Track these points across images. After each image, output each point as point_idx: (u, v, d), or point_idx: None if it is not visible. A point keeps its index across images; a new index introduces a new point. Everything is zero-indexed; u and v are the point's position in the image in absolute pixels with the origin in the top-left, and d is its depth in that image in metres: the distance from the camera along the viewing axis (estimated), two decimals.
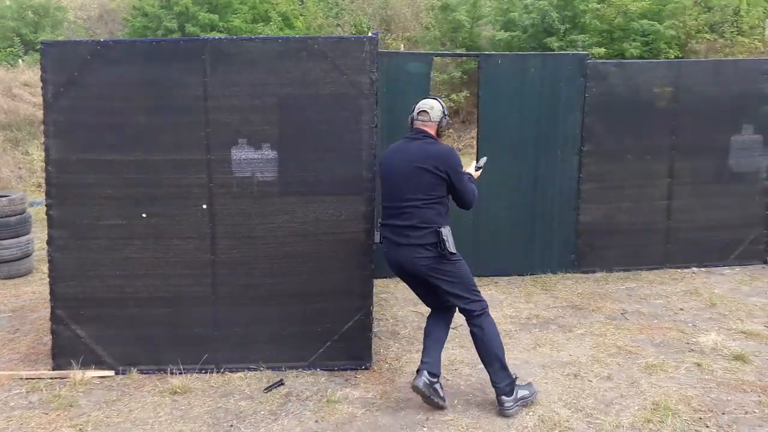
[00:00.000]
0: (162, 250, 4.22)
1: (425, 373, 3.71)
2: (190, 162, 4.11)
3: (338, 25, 22.27)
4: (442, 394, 3.79)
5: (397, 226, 3.69)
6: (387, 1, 22.42)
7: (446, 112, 3.83)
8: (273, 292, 4.29)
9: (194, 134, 4.09)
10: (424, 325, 4.06)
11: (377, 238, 3.94)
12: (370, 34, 4.09)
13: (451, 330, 4.97)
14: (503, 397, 3.73)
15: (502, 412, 3.73)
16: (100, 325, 4.27)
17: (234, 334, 4.33)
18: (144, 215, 4.18)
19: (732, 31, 16.77)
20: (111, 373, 4.28)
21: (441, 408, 3.79)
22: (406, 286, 4.09)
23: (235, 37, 4.50)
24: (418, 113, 3.79)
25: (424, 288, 3.91)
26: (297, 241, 4.22)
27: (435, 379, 3.75)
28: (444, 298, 3.79)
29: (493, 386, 3.77)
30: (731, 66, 6.74)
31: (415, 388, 3.70)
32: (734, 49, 16.43)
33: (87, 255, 4.20)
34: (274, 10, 21.26)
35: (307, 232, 4.22)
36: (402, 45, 20.40)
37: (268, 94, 4.06)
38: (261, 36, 4.57)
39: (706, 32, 16.95)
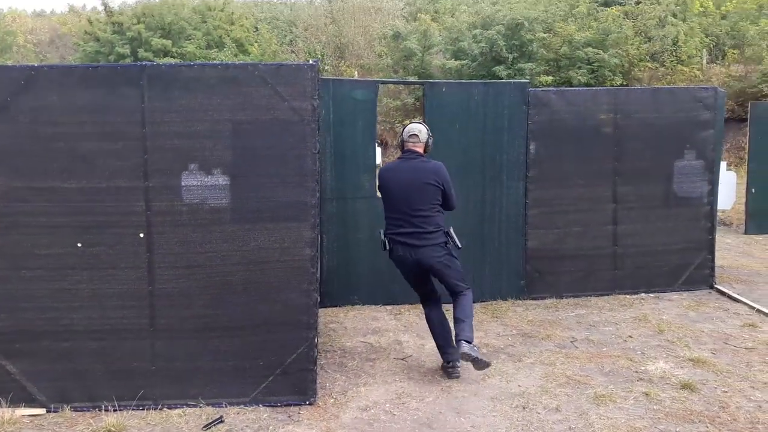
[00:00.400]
0: (98, 281, 4.03)
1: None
2: (126, 189, 3.95)
3: (292, 51, 22.31)
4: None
5: (414, 233, 4.58)
6: (340, 30, 22.58)
7: (431, 133, 4.78)
8: (213, 324, 4.12)
9: (131, 161, 3.94)
10: (372, 356, 4.78)
11: (384, 246, 4.70)
12: (310, 62, 4.03)
13: (399, 361, 4.96)
14: (464, 343, 4.42)
15: (460, 349, 4.41)
16: (32, 359, 4.05)
17: (173, 369, 4.13)
18: (79, 245, 3.99)
19: (672, 60, 17.38)
20: (42, 411, 4.05)
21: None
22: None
23: (173, 63, 4.39)
24: (408, 136, 4.71)
25: (422, 279, 4.76)
26: (238, 270, 4.08)
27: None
28: (446, 282, 4.66)
29: (458, 337, 4.49)
30: (668, 94, 6.90)
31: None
32: (675, 77, 17.04)
33: (20, 285, 3.99)
34: (228, 36, 21.18)
35: (248, 260, 4.08)
36: (356, 72, 20.53)
37: (208, 120, 3.94)
38: (200, 62, 4.45)
39: (648, 61, 17.53)
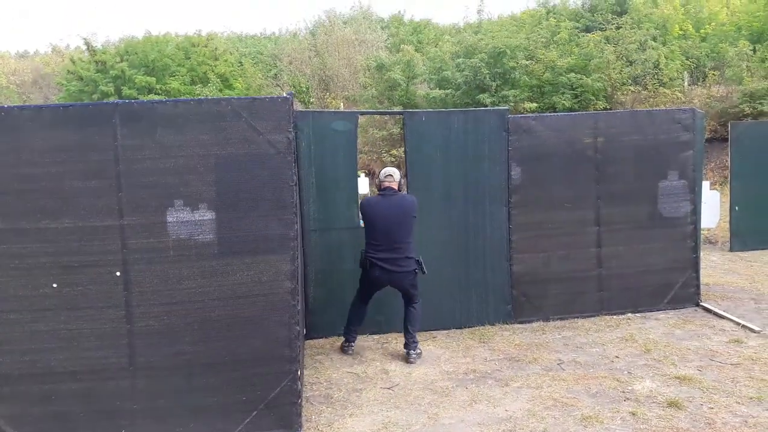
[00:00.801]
0: (75, 322, 4.00)
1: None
2: (101, 228, 3.95)
3: (277, 85, 22.48)
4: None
5: (393, 259, 5.49)
6: (325, 62, 22.80)
7: (402, 174, 5.89)
8: (195, 360, 4.10)
9: (106, 199, 3.94)
10: (359, 386, 5.10)
11: (363, 264, 5.64)
12: (284, 95, 4.07)
13: (385, 390, 4.94)
14: (412, 352, 5.60)
15: (409, 359, 5.58)
16: (10, 403, 4.00)
17: (155, 407, 4.09)
18: (54, 285, 3.97)
19: (654, 83, 17.61)
20: None
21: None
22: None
23: (145, 100, 4.41)
24: (385, 176, 5.69)
25: (377, 291, 5.76)
26: (218, 305, 4.07)
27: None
28: (409, 296, 5.68)
29: (408, 344, 5.63)
30: (647, 116, 6.98)
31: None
32: (657, 100, 17.23)
33: None
34: (213, 71, 21.32)
35: (227, 295, 4.07)
36: (341, 104, 20.69)
37: (183, 156, 3.96)
38: (173, 99, 4.47)
39: (630, 84, 17.76)
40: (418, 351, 5.70)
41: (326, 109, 17.61)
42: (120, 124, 3.91)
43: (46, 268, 3.97)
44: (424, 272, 5.61)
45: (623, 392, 4.75)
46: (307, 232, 6.21)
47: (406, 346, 5.67)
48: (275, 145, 4.00)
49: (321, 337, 6.33)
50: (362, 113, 8.20)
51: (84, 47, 23.07)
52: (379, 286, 5.71)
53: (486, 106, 16.48)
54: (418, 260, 5.58)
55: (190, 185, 4.01)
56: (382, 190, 5.68)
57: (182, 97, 19.02)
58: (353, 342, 5.93)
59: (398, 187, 5.72)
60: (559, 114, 7.39)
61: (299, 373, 4.21)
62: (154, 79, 20.55)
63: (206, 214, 4.04)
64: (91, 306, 3.99)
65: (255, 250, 4.07)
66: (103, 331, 4.02)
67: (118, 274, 3.97)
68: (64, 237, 3.95)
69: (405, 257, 5.50)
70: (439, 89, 18.59)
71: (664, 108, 12.29)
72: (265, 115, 3.97)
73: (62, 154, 3.92)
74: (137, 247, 3.98)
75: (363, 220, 5.70)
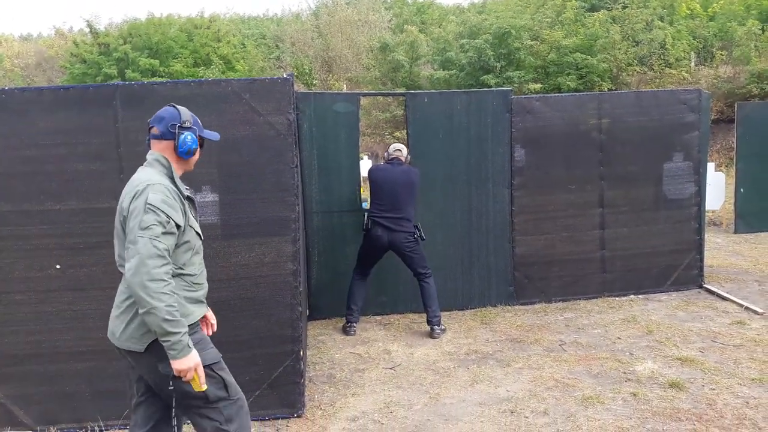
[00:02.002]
0: (80, 302, 4.03)
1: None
2: (104, 210, 3.95)
3: (280, 67, 22.39)
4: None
5: (394, 218, 5.74)
6: (328, 43, 22.67)
7: (409, 152, 6.17)
8: None
9: (108, 182, 3.94)
10: (361, 366, 5.13)
11: (365, 227, 5.87)
12: (285, 75, 4.05)
13: (387, 370, 4.97)
14: (435, 327, 5.78)
15: (433, 334, 5.77)
16: (17, 383, 4.04)
17: None
18: (58, 266, 3.99)
19: (660, 64, 17.46)
20: None
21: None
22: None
23: (146, 82, 4.38)
24: (394, 150, 6.04)
25: (379, 257, 5.96)
26: (221, 286, 4.07)
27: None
28: (411, 265, 5.85)
29: (431, 320, 5.81)
30: (651, 97, 6.92)
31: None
32: (663, 80, 17.10)
33: (2, 310, 3.98)
34: (216, 53, 21.23)
35: (230, 276, 4.08)
36: (344, 85, 20.61)
37: None
38: (173, 80, 4.45)
39: (636, 65, 17.61)
40: (442, 327, 5.84)
41: (328, 91, 17.55)
42: (121, 106, 3.90)
43: (50, 250, 3.98)
44: (423, 238, 5.87)
45: (624, 373, 4.77)
46: (310, 214, 6.22)
47: (428, 322, 5.85)
48: (276, 127, 3.99)
49: (324, 318, 6.37)
50: (364, 95, 8.16)
51: (87, 29, 23.01)
52: (380, 249, 5.87)
53: (490, 87, 16.40)
54: (416, 225, 5.85)
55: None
56: (391, 160, 6.00)
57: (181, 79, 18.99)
58: (355, 322, 5.98)
59: (405, 161, 6.01)
60: (563, 95, 7.33)
61: (302, 353, 4.23)
62: (157, 61, 20.51)
63: (208, 196, 4.04)
64: (96, 287, 4.01)
65: (257, 231, 4.07)
66: (108, 312, 4.02)
67: None
68: (68, 219, 3.96)
69: (405, 219, 5.77)
70: (443, 70, 18.51)
71: (669, 89, 12.19)
72: (265, 96, 3.95)
73: (64, 136, 3.92)
74: None
75: (370, 184, 5.94)
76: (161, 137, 2.81)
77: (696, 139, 6.88)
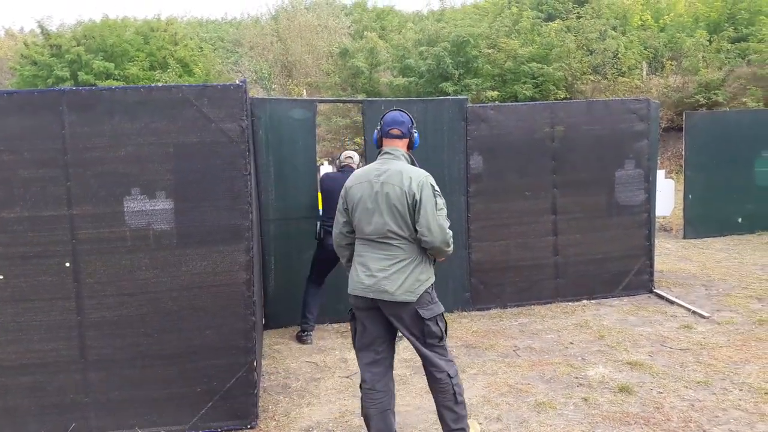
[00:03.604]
0: (24, 314, 3.90)
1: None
2: (50, 218, 3.85)
3: (238, 71, 22.18)
4: None
5: None
6: (287, 48, 22.57)
7: (361, 161, 6.19)
8: (148, 352, 4.03)
9: (54, 189, 3.84)
10: (317, 375, 5.10)
11: (317, 235, 5.88)
12: (237, 82, 4.01)
13: (344, 379, 4.97)
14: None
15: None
16: None
17: (107, 399, 4.02)
18: (1, 276, 3.86)
19: (613, 72, 17.86)
20: None
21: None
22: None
23: (93, 88, 4.30)
24: (345, 157, 6.12)
25: (332, 267, 5.86)
26: (172, 296, 4.01)
27: None
28: None
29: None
30: (603, 106, 7.09)
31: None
32: (616, 89, 17.49)
33: None
34: (173, 57, 20.93)
35: (181, 286, 4.01)
36: (304, 91, 20.54)
37: (134, 144, 3.87)
38: (122, 86, 4.36)
39: (590, 74, 17.98)
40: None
41: (285, 97, 17.47)
42: (68, 111, 3.80)
43: None
44: None
45: (576, 378, 4.85)
46: (266, 222, 6.16)
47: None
48: (228, 134, 3.94)
49: (280, 327, 6.31)
50: (321, 101, 8.15)
51: (38, 30, 22.42)
52: (333, 258, 5.73)
53: (449, 94, 16.54)
54: None
55: (143, 174, 3.91)
56: (342, 167, 6.09)
57: (140, 84, 18.67)
58: (311, 331, 5.98)
59: (356, 168, 5.98)
60: (517, 104, 7.46)
61: (255, 363, 4.18)
62: (112, 64, 20.09)
63: (157, 204, 3.96)
64: (40, 297, 3.89)
65: (209, 240, 4.01)
66: (53, 324, 3.93)
67: (67, 264, 3.88)
68: (11, 227, 3.84)
69: None
70: (403, 77, 18.59)
71: (620, 98, 12.47)
72: (217, 102, 3.90)
73: (9, 141, 3.79)
74: (87, 237, 3.89)
75: (321, 192, 6.04)
76: (402, 137, 3.65)
77: (646, 147, 7.06)
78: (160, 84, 11.41)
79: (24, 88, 19.11)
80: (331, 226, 5.61)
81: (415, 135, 3.73)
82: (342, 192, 3.63)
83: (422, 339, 3.53)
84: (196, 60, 21.78)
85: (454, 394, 3.55)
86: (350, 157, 6.16)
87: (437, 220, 3.42)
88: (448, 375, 3.57)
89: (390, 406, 3.62)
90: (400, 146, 3.63)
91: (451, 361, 3.66)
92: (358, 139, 17.16)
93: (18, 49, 22.55)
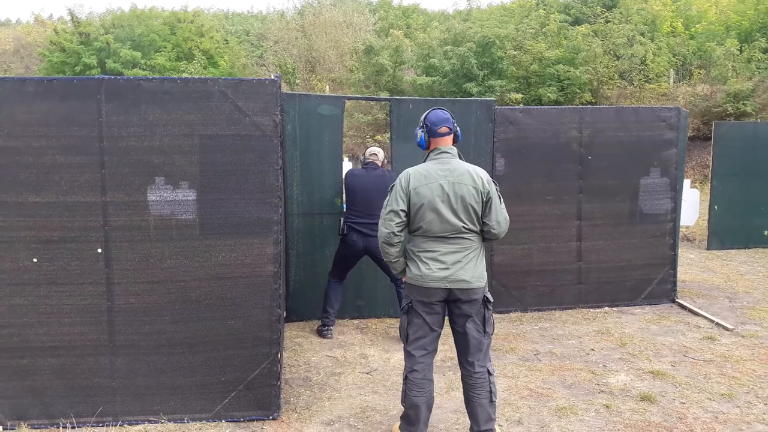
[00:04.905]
0: (55, 297, 3.96)
1: None
2: (83, 204, 3.90)
3: (263, 65, 22.28)
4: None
5: (369, 224, 5.70)
6: (312, 44, 22.62)
7: (386, 157, 6.37)
8: (175, 340, 4.08)
9: (89, 175, 3.89)
10: (338, 370, 5.13)
11: (341, 231, 5.91)
12: (272, 77, 4.04)
13: (364, 375, 4.98)
14: None
15: None
16: None
17: (133, 385, 4.08)
18: (35, 260, 3.93)
19: (640, 79, 17.71)
20: None
21: None
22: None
23: (131, 77, 4.32)
24: (370, 154, 6.13)
25: (355, 263, 6.00)
26: (200, 286, 4.05)
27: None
28: (387, 270, 5.84)
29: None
30: (632, 113, 7.03)
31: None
32: (643, 95, 17.34)
33: None
34: (198, 48, 21.07)
35: (210, 276, 4.05)
36: (327, 86, 20.57)
37: (169, 135, 3.91)
38: (158, 76, 4.39)
39: (617, 79, 17.85)
40: None
41: (312, 92, 17.51)
42: (105, 99, 3.85)
43: (26, 242, 3.91)
44: None
45: (598, 385, 4.82)
46: (290, 216, 6.20)
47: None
48: (261, 128, 3.97)
49: (301, 320, 6.35)
50: (349, 98, 8.15)
51: (68, 18, 22.68)
52: (355, 254, 5.91)
53: (472, 95, 16.50)
54: None
55: (174, 164, 3.95)
56: (366, 164, 6.08)
57: (167, 74, 18.81)
58: (331, 326, 6.00)
59: (381, 165, 6.07)
60: (545, 107, 7.42)
61: (279, 355, 4.22)
62: (139, 53, 20.28)
63: (189, 194, 4.00)
64: (71, 282, 3.95)
65: (238, 232, 4.04)
66: (83, 307, 3.99)
67: (99, 251, 3.93)
68: (45, 211, 3.90)
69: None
70: (426, 76, 18.56)
71: (649, 105, 12.37)
72: (251, 96, 3.93)
73: (46, 128, 3.84)
74: (119, 224, 3.94)
75: (345, 189, 6.03)
76: (449, 133, 3.74)
77: (674, 156, 6.99)
78: (189, 76, 11.51)
79: (52, 74, 19.34)
80: (355, 223, 5.80)
81: (459, 130, 3.82)
82: (400, 194, 3.63)
83: (483, 327, 3.68)
84: (221, 52, 21.93)
85: (491, 392, 3.68)
86: (375, 153, 6.15)
87: (503, 213, 3.67)
88: (488, 372, 3.70)
89: (434, 397, 3.79)
90: (450, 143, 3.74)
91: (491, 361, 3.78)
92: (378, 137, 17.19)
93: (47, 36, 22.81)
